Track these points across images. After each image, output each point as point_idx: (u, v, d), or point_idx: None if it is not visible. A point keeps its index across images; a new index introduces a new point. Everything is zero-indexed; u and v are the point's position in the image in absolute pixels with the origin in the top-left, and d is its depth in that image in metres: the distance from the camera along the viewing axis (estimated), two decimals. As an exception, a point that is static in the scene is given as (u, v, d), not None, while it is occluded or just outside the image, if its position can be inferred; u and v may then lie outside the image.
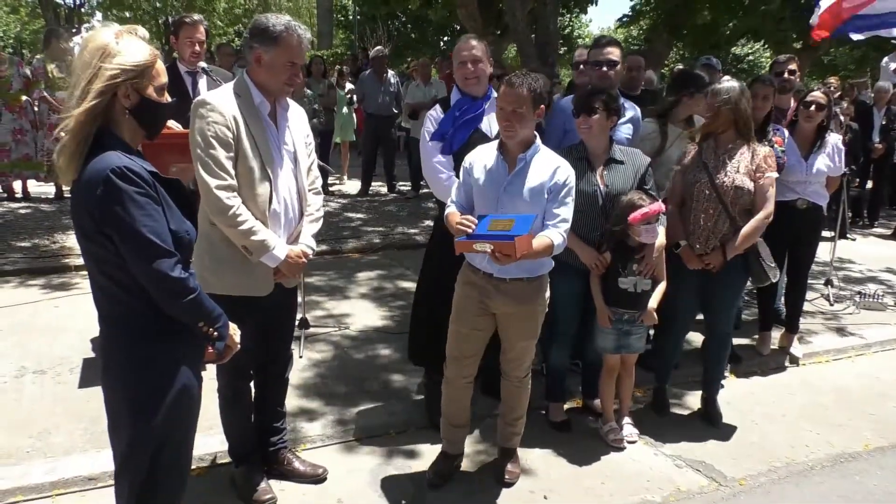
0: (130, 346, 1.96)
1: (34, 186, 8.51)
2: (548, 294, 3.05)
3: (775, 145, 4.32)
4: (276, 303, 2.87)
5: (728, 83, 3.58)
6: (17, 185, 8.33)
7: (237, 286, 2.71)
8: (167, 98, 2.01)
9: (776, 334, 4.93)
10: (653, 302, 3.43)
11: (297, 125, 2.87)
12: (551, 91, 4.36)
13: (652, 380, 4.06)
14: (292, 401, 3.60)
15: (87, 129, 1.84)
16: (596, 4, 14.57)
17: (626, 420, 3.69)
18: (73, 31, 32.07)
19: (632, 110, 4.01)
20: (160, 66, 1.96)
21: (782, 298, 4.96)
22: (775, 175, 3.62)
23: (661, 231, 3.40)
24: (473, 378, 3.15)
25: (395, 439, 3.51)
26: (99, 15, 33.85)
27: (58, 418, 3.48)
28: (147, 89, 1.92)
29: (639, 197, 3.25)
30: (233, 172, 2.58)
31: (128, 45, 1.87)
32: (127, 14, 32.38)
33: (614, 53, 3.90)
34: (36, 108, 8.04)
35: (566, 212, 2.85)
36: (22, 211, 7.73)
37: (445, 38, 25.34)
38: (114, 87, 1.84)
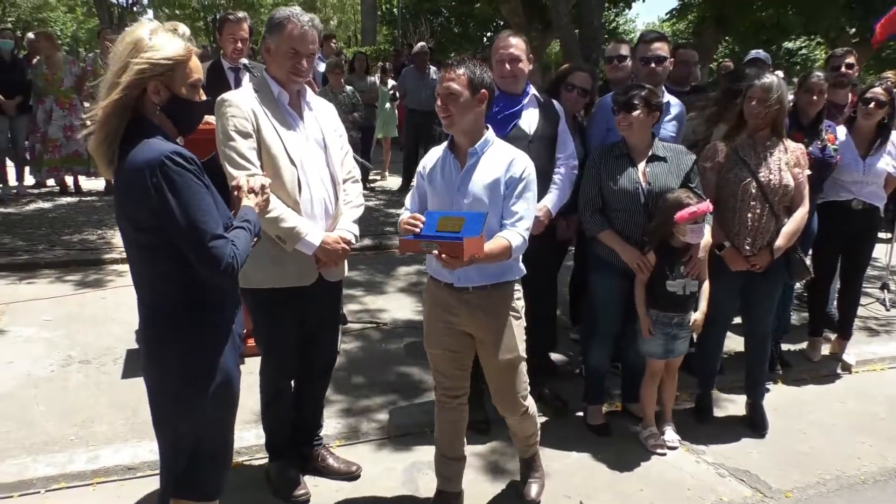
0: (171, 334, 1.97)
1: (85, 181, 8.75)
2: (521, 303, 2.74)
3: (828, 143, 4.15)
4: (318, 297, 2.87)
5: (773, 78, 3.45)
6: (68, 180, 8.57)
7: (278, 277, 2.72)
8: (201, 96, 1.99)
9: (828, 340, 4.75)
10: (703, 305, 3.33)
11: (325, 116, 2.87)
12: (594, 88, 4.24)
13: (695, 384, 3.95)
14: (326, 396, 3.59)
15: (113, 121, 1.84)
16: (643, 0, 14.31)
17: (668, 425, 3.59)
18: (126, 29, 33.03)
19: (677, 107, 3.89)
20: (195, 63, 1.95)
21: (835, 302, 4.78)
22: (808, 171, 3.55)
23: (708, 231, 3.30)
24: (466, 403, 2.86)
25: (430, 438, 3.47)
26: (150, 13, 34.72)
27: (101, 407, 3.56)
28: (177, 86, 1.91)
29: (686, 195, 3.15)
30: (257, 163, 2.59)
31: (161, 41, 1.87)
32: (177, 12, 33.15)
33: (663, 49, 3.80)
34: (86, 105, 8.24)
35: (525, 209, 2.55)
36: (73, 205, 7.95)
37: (489, 34, 25.25)
38: (142, 81, 1.84)
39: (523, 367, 2.77)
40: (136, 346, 4.22)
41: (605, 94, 4.03)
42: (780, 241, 3.48)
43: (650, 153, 3.31)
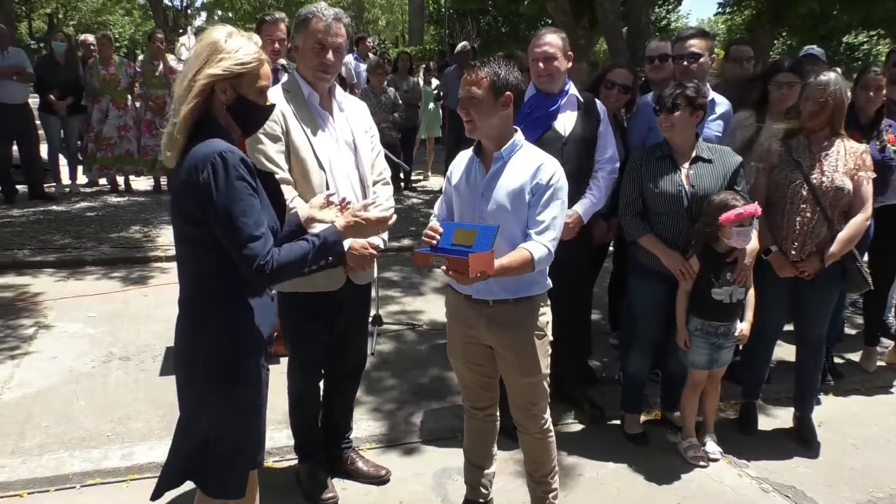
0: (200, 329, 1.99)
1: (135, 180, 8.96)
2: (546, 318, 2.57)
3: (888, 143, 3.94)
4: (347, 300, 2.85)
5: (831, 74, 3.28)
6: (119, 179, 8.79)
7: (305, 282, 2.67)
8: (267, 101, 2.05)
9: (884, 350, 4.53)
10: (749, 314, 3.20)
11: (357, 116, 2.83)
12: (636, 84, 4.12)
13: (739, 393, 3.80)
14: (359, 398, 3.57)
15: (190, 123, 1.93)
16: (694, -6, 13.93)
17: (710, 436, 3.45)
18: (180, 32, 33.93)
19: (723, 105, 3.75)
20: (265, 70, 2.01)
21: (892, 310, 4.54)
22: (873, 175, 3.32)
23: (754, 235, 3.15)
24: (495, 414, 2.78)
25: (462, 443, 3.42)
26: (203, 15, 35.60)
27: (138, 404, 3.61)
28: (245, 89, 1.97)
29: (732, 197, 3.02)
30: (285, 166, 2.58)
31: (235, 45, 1.94)
32: (229, 14, 33.88)
33: (697, 45, 3.66)
34: (138, 105, 8.46)
35: (552, 218, 2.38)
36: (121, 204, 8.15)
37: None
38: (213, 82, 1.92)
39: (545, 382, 2.64)
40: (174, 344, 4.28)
41: (647, 94, 3.92)
42: (833, 248, 3.30)
43: (694, 154, 3.19)
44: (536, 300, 2.54)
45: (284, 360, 3.26)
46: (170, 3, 34.52)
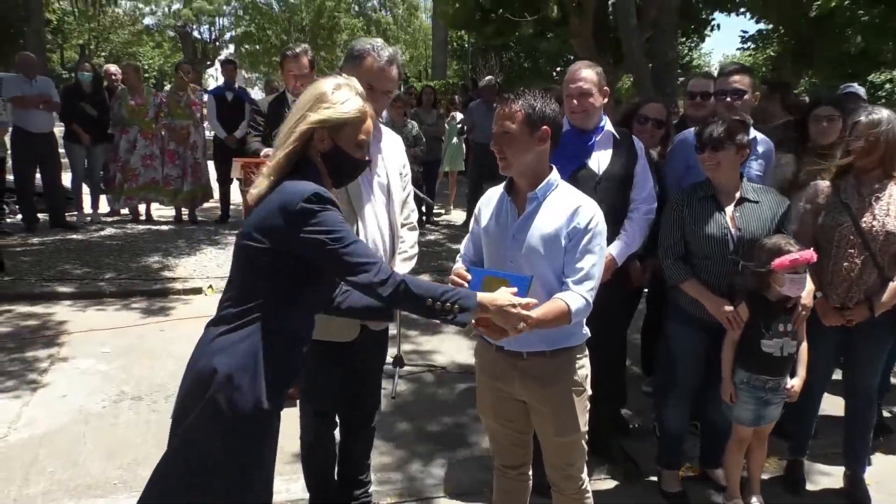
0: (234, 358, 1.88)
1: (156, 210, 8.94)
2: (585, 371, 2.39)
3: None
4: (363, 346, 2.68)
5: (883, 112, 3.10)
6: (141, 208, 8.77)
7: (318, 330, 2.54)
8: (364, 156, 2.06)
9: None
10: (801, 370, 2.99)
11: (392, 155, 2.70)
12: (669, 119, 3.97)
13: (784, 448, 3.55)
14: (378, 446, 3.39)
15: (284, 170, 1.95)
16: (718, 29, 13.86)
17: (755, 497, 3.20)
18: (207, 64, 34.66)
19: (764, 144, 3.58)
20: (368, 126, 2.03)
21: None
22: None
23: (809, 283, 2.94)
24: (528, 473, 2.59)
25: (489, 497, 3.21)
26: (231, 48, 36.31)
27: (148, 448, 3.45)
28: (344, 140, 1.99)
29: (786, 241, 2.82)
30: None
31: (341, 96, 1.98)
32: (257, 47, 34.55)
33: (741, 82, 3.52)
34: (163, 133, 8.47)
35: (590, 265, 2.21)
36: (140, 233, 8.09)
37: (558, 69, 25.12)
38: (313, 128, 1.95)
39: (584, 440, 2.43)
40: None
41: (684, 130, 3.76)
42: (885, 297, 3.08)
43: (739, 195, 3.01)
44: (574, 351, 2.36)
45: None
46: (198, 36, 35.25)
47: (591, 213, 2.25)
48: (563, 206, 2.26)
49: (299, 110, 1.98)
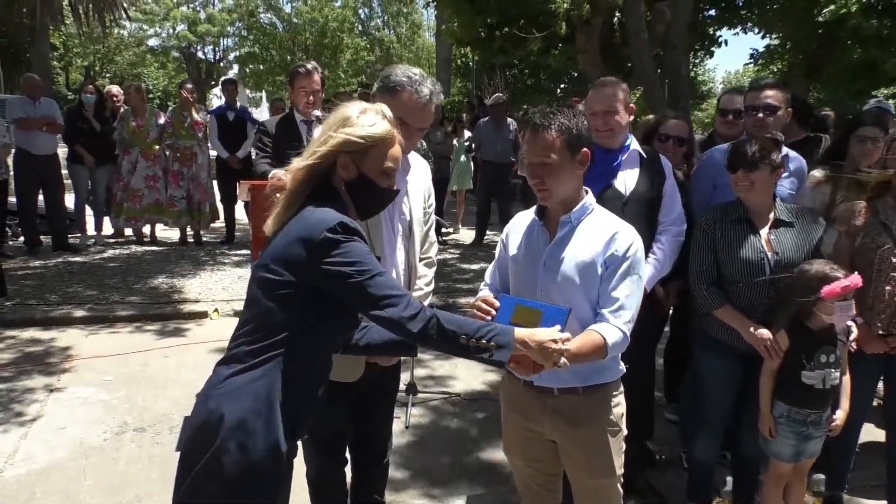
0: (246, 401, 1.74)
1: (161, 231, 8.81)
2: (621, 410, 2.23)
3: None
4: (373, 380, 2.51)
5: None
6: (145, 230, 8.64)
7: None
8: (392, 185, 1.94)
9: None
10: (845, 403, 2.82)
11: (418, 188, 2.53)
12: (692, 135, 3.83)
13: (821, 482, 3.37)
14: (392, 480, 3.21)
15: (301, 187, 1.84)
16: (726, 45, 13.79)
17: (793, 536, 3.02)
18: (212, 84, 34.78)
19: (795, 161, 3.43)
20: (396, 151, 1.92)
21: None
22: None
23: (854, 310, 2.77)
24: None
25: (512, 538, 3.05)
26: (236, 68, 36.47)
27: (151, 484, 3.29)
28: (369, 165, 1.88)
29: (829, 267, 2.66)
30: None
31: (366, 120, 1.88)
32: (261, 67, 34.67)
33: (775, 97, 3.37)
34: (167, 153, 8.36)
35: (627, 295, 2.07)
36: (144, 255, 7.95)
37: (562, 85, 25.12)
38: (337, 152, 1.84)
39: (619, 483, 2.26)
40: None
41: (711, 148, 3.62)
42: None
43: (773, 217, 2.85)
44: (609, 388, 2.19)
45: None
46: (203, 56, 35.43)
47: (629, 239, 2.11)
48: (599, 231, 2.12)
49: (324, 132, 1.89)
